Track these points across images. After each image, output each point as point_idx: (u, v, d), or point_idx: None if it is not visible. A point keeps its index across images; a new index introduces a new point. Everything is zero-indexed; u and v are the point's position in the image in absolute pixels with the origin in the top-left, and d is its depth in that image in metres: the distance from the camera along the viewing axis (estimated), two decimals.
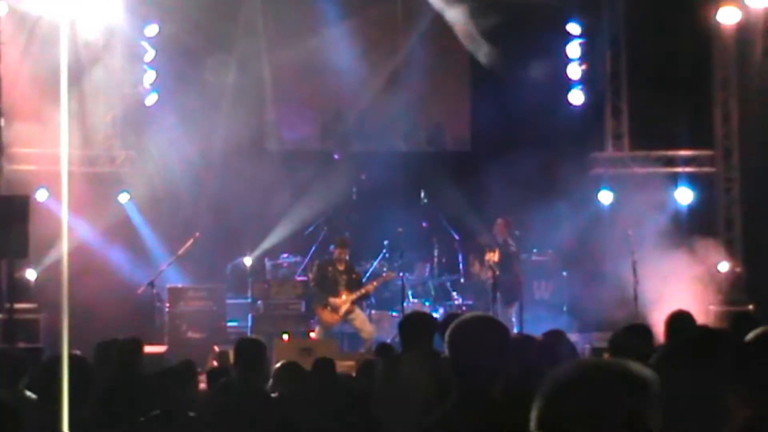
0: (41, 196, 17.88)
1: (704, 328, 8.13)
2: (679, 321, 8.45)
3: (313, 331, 16.82)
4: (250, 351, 7.55)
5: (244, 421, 7.09)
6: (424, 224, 17.76)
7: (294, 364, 8.63)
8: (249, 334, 16.67)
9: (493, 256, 16.71)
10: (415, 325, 7.61)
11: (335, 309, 16.16)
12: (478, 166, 19.09)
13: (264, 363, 7.71)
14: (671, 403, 3.23)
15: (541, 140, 18.14)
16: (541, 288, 18.26)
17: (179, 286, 17.45)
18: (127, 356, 8.65)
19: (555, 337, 9.37)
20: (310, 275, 16.86)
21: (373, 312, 17.23)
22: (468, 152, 20.01)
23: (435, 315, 15.96)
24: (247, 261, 18.23)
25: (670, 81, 18.63)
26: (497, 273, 16.51)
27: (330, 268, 16.37)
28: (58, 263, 17.57)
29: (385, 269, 17.38)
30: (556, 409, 2.58)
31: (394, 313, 17.09)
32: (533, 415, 2.60)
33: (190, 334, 16.91)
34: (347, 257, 16.48)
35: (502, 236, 17.00)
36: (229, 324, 17.56)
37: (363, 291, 16.42)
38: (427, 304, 17.33)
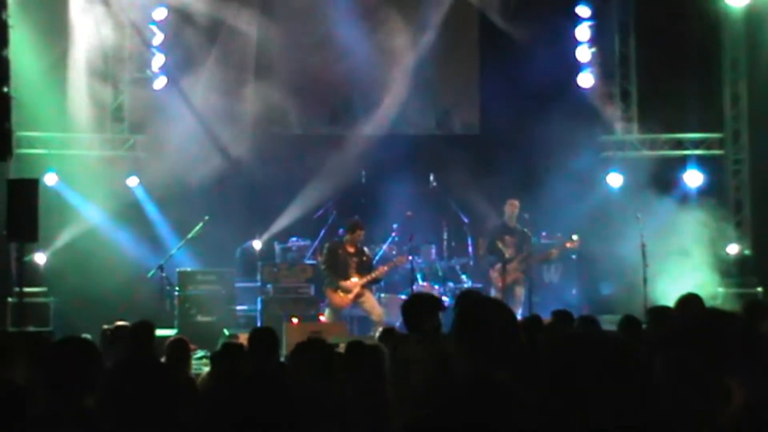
0: (50, 179, 17.92)
1: (712, 310, 8.16)
2: (689, 304, 8.48)
3: (322, 314, 16.85)
4: (264, 340, 7.59)
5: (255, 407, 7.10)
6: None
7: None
8: (258, 318, 16.77)
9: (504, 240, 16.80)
10: (417, 307, 7.62)
11: (346, 292, 16.17)
12: (487, 149, 19.08)
13: (276, 351, 7.78)
14: (673, 382, 3.25)
15: (550, 123, 18.11)
16: (550, 271, 18.28)
17: (189, 269, 17.49)
18: (139, 339, 8.68)
19: (562, 317, 9.43)
20: (321, 258, 16.87)
21: (382, 295, 17.24)
22: (477, 135, 20.00)
23: (444, 298, 16.13)
24: (257, 245, 18.24)
25: (679, 63, 18.65)
26: (507, 256, 16.54)
27: (340, 251, 16.38)
28: (67, 247, 17.69)
29: (394, 253, 17.38)
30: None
31: (404, 296, 17.06)
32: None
33: (199, 318, 16.95)
34: (357, 241, 16.44)
35: (513, 219, 17.06)
36: (239, 308, 17.60)
37: (374, 275, 16.41)
38: (436, 287, 17.33)
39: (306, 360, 7.35)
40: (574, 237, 17.09)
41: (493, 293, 16.31)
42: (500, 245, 16.74)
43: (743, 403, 3.48)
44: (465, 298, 8.90)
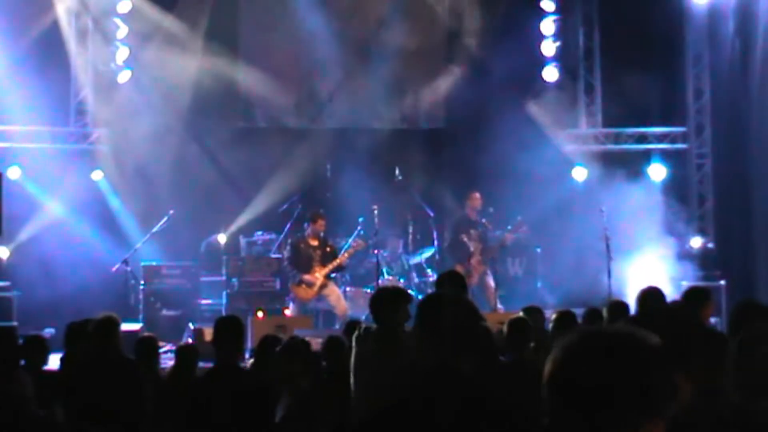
0: (13, 173, 17.81)
1: (661, 306, 8.28)
2: (649, 297, 8.57)
3: (287, 308, 16.83)
4: (230, 329, 7.57)
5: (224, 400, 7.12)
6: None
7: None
8: (224, 312, 16.70)
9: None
10: (384, 301, 7.62)
11: (309, 285, 16.17)
12: (452, 143, 19.11)
13: (242, 340, 7.78)
14: None
15: (514, 117, 18.17)
16: (515, 264, 18.32)
17: (153, 263, 17.42)
18: (105, 334, 8.66)
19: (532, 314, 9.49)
20: (285, 254, 16.86)
21: (348, 288, 17.24)
22: (442, 129, 20.01)
23: (410, 291, 16.15)
24: (222, 238, 18.19)
25: (643, 58, 18.71)
26: (470, 248, 16.59)
27: (302, 246, 16.36)
28: (31, 241, 17.58)
29: (356, 241, 17.31)
30: (568, 377, 2.61)
31: (369, 290, 17.10)
32: (545, 379, 2.62)
33: (164, 312, 16.91)
34: (320, 233, 16.43)
35: (475, 212, 17.09)
36: (204, 301, 17.56)
37: (335, 264, 16.37)
38: (402, 280, 17.34)
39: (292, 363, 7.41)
40: (518, 218, 17.12)
41: None
42: (465, 239, 16.79)
43: (690, 397, 3.52)
44: (442, 284, 8.92)
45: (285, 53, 19.21)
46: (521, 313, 8.98)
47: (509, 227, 17.05)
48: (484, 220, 17.07)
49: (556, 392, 2.59)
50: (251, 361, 9.46)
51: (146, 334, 10.23)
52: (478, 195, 17.11)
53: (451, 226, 17.28)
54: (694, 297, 8.91)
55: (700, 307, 8.61)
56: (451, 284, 8.53)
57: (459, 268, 16.22)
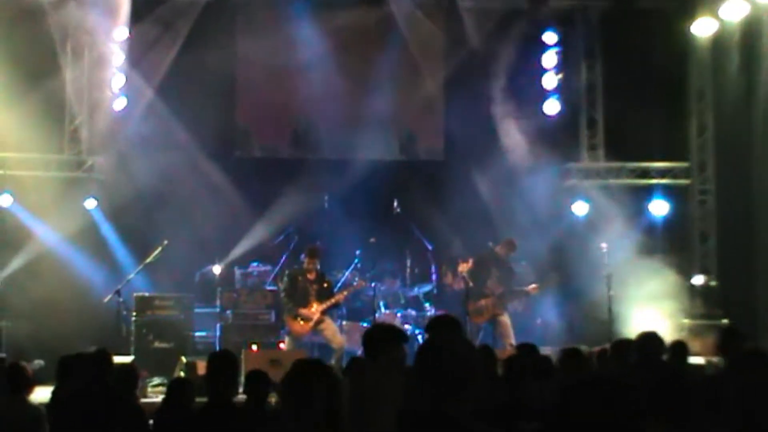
0: (5, 201, 17.62)
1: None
2: (649, 342, 8.49)
3: (282, 341, 16.57)
4: (223, 365, 7.30)
5: None
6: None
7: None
8: (217, 345, 16.45)
9: (466, 267, 16.56)
10: (378, 337, 7.41)
11: (305, 319, 15.91)
12: (451, 175, 18.91)
13: (236, 377, 7.51)
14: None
15: (515, 150, 18.04)
16: (515, 300, 18.06)
17: (146, 294, 17.12)
18: (98, 369, 8.43)
19: (526, 350, 9.27)
20: (281, 285, 16.61)
21: (344, 323, 17.00)
22: (441, 161, 19.84)
23: (407, 326, 15.94)
24: (216, 269, 17.97)
25: (645, 92, 18.61)
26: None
27: (300, 278, 16.12)
28: (22, 270, 17.35)
29: (356, 279, 17.12)
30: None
31: (366, 324, 16.87)
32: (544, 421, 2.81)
33: (156, 344, 16.59)
34: (317, 267, 16.22)
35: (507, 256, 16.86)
36: (197, 334, 17.26)
37: (333, 301, 16.16)
38: (399, 314, 17.10)
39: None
40: (552, 275, 16.97)
41: (469, 328, 15.93)
42: (484, 276, 16.50)
43: None
44: (433, 329, 8.66)
45: (282, 83, 19.06)
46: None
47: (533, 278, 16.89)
48: (512, 265, 16.78)
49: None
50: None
51: (123, 362, 9.92)
52: (515, 244, 16.80)
53: (476, 261, 16.89)
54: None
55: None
56: (443, 329, 8.23)
57: (470, 306, 15.96)
